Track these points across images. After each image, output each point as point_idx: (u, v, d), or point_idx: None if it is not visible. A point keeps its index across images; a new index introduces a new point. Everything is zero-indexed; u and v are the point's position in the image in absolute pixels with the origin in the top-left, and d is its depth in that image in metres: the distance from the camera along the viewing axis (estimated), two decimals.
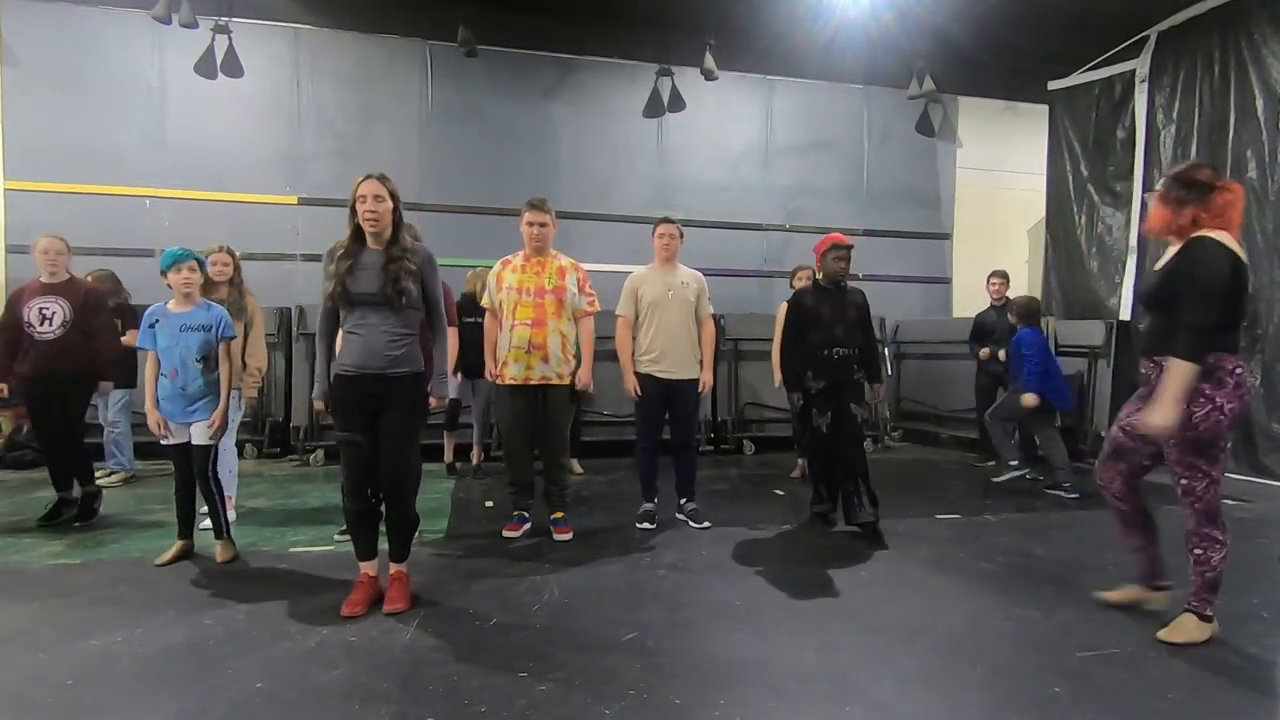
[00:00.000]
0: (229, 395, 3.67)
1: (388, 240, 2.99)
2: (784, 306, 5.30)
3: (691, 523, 4.35)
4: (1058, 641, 2.78)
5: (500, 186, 7.54)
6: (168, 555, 3.58)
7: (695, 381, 4.31)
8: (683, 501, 4.48)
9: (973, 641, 2.78)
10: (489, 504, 4.87)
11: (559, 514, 4.15)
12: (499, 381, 4.07)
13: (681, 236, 4.41)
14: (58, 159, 6.76)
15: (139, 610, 2.95)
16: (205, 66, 6.71)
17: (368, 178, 2.94)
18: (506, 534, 4.09)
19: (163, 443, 3.64)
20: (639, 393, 4.24)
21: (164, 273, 3.58)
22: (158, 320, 3.58)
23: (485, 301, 4.18)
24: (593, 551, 3.86)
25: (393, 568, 3.12)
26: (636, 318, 4.30)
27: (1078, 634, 2.84)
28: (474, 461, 5.81)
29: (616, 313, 4.33)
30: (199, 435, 3.59)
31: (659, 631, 2.84)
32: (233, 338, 3.71)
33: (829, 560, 3.75)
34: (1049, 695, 2.36)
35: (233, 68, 6.78)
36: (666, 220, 4.38)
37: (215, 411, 3.62)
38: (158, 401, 3.55)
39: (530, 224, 4.00)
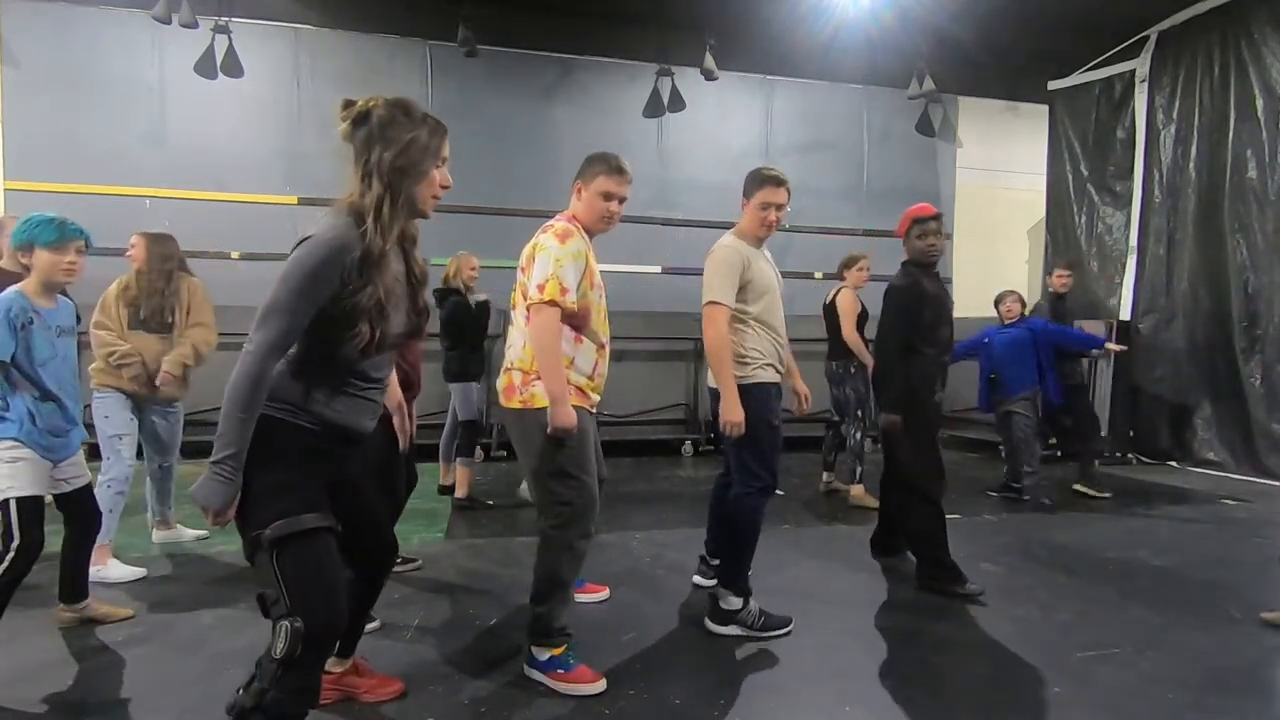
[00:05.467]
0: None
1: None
2: (848, 297, 4.85)
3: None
4: (1058, 641, 2.78)
5: (500, 186, 7.54)
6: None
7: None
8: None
9: (973, 641, 2.79)
10: (489, 503, 4.86)
11: None
12: (593, 410, 2.63)
13: None
14: (58, 159, 6.74)
15: (140, 610, 2.94)
16: (205, 66, 6.69)
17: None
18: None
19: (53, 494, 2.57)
20: (773, 421, 2.80)
21: (30, 246, 2.45)
22: (32, 320, 2.43)
23: (570, 301, 2.40)
24: (592, 552, 3.84)
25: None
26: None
27: (1078, 634, 2.84)
28: (462, 493, 4.75)
29: (714, 299, 2.75)
30: (80, 469, 2.64)
31: (659, 632, 2.84)
32: None
33: (828, 560, 3.76)
34: (1049, 695, 2.36)
35: (233, 68, 6.77)
36: (781, 181, 2.86)
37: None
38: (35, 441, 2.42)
39: (611, 196, 2.54)
